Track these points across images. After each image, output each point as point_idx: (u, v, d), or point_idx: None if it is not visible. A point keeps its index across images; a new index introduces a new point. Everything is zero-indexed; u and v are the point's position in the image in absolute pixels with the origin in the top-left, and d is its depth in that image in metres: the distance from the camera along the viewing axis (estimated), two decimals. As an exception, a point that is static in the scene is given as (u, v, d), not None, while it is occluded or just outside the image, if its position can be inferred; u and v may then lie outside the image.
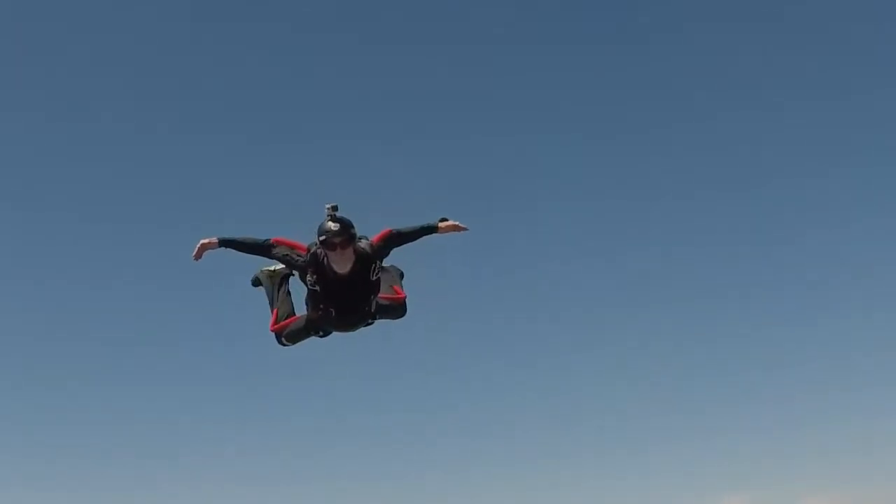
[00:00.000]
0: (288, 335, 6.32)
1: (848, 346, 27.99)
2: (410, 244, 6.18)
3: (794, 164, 30.50)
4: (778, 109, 30.96)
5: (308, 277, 5.91)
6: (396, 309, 6.36)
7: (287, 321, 6.38)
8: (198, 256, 5.95)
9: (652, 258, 30.32)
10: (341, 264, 5.79)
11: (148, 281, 29.82)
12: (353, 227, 5.78)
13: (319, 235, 5.76)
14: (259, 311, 6.65)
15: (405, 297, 6.39)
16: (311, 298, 6.02)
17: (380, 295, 6.18)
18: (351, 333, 6.26)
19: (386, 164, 29.67)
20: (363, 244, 5.92)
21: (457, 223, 6.22)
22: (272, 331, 6.39)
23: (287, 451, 26.57)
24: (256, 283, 6.75)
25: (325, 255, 5.80)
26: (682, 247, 30.40)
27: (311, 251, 5.88)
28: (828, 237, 29.75)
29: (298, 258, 5.93)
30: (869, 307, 27.91)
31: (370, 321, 6.23)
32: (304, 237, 6.07)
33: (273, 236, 6.03)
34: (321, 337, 6.29)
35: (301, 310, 6.38)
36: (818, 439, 26.40)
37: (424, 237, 6.19)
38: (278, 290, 6.57)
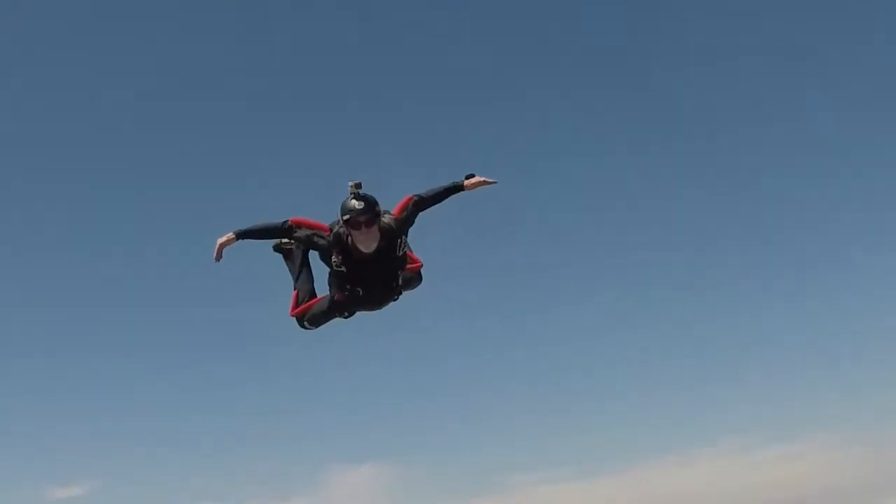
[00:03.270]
0: (310, 319, 5.94)
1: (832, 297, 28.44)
2: (437, 207, 5.83)
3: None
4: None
5: (333, 259, 5.57)
6: (415, 279, 6.04)
7: (308, 304, 5.99)
8: (218, 257, 5.57)
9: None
10: (367, 243, 5.46)
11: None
12: (377, 204, 5.44)
13: (343, 214, 5.41)
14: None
15: (422, 265, 6.06)
16: (337, 279, 5.67)
17: None
18: (377, 312, 5.95)
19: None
20: (386, 219, 5.56)
21: (485, 178, 5.90)
22: (292, 315, 6.01)
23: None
24: (278, 248, 6.35)
25: (350, 234, 5.46)
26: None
27: (335, 231, 5.52)
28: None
29: (321, 239, 5.58)
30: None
31: (396, 297, 5.90)
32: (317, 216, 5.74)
33: (290, 217, 5.67)
34: (346, 318, 5.92)
35: (322, 289, 6.01)
36: (809, 384, 26.88)
37: (451, 197, 5.86)
38: (299, 268, 6.19)
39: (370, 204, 5.42)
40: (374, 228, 5.46)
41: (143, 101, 30.96)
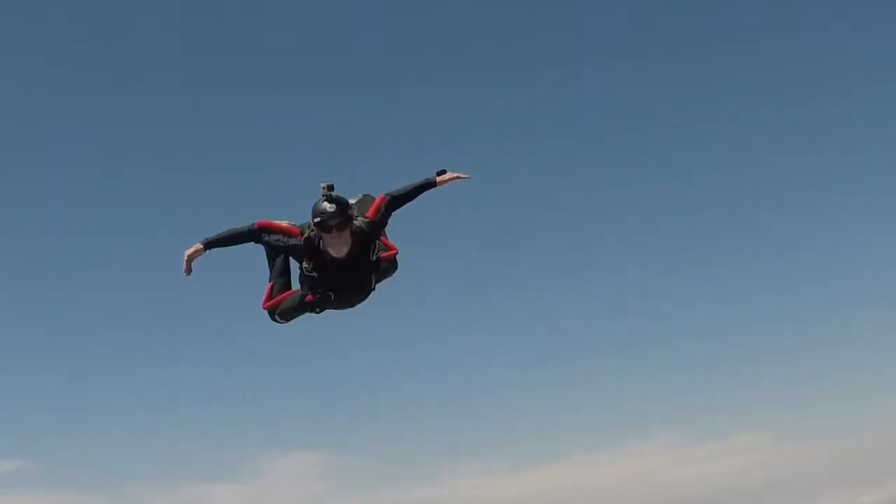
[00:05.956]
0: (281, 313, 6.00)
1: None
2: (410, 204, 5.84)
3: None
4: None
5: (304, 264, 5.56)
6: (391, 268, 6.04)
7: (280, 298, 6.03)
8: (188, 270, 5.52)
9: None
10: (338, 247, 5.47)
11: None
12: (350, 206, 5.45)
13: (314, 217, 5.41)
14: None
15: (397, 252, 6.04)
16: (308, 282, 5.69)
17: None
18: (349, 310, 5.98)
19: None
20: (358, 222, 5.57)
21: (457, 173, 5.89)
22: (265, 308, 6.06)
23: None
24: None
25: (321, 237, 5.46)
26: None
27: (306, 235, 5.51)
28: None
29: (293, 243, 5.56)
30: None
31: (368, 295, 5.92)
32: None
33: (256, 220, 5.61)
34: (317, 313, 5.98)
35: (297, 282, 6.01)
36: (741, 382, 27.23)
37: (424, 194, 5.86)
38: (275, 260, 6.15)
39: (342, 206, 5.40)
40: (346, 232, 5.45)
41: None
